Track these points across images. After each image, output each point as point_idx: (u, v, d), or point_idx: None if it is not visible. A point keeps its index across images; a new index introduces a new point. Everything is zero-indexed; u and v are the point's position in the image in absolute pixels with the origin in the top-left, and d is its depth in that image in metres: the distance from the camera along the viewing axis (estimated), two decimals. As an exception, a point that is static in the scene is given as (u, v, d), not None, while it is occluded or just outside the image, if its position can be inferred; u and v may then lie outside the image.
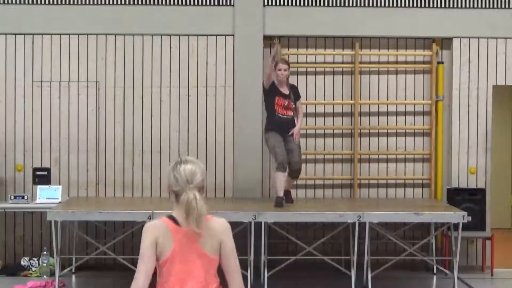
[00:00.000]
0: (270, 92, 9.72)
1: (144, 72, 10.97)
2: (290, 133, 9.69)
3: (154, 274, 4.24)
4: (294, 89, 9.89)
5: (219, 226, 4.33)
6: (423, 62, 11.15)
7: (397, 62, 11.17)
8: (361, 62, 11.07)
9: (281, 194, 9.60)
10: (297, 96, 9.87)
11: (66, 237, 10.25)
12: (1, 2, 10.85)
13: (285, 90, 9.73)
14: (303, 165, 11.03)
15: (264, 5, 10.90)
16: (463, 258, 10.65)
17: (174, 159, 4.41)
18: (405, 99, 11.15)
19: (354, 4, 10.94)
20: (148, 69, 10.96)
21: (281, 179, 9.56)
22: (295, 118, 9.80)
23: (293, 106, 9.75)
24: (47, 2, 10.85)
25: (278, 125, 9.66)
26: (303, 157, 11.02)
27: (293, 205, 10.16)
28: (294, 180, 10.17)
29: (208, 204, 4.27)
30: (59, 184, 10.72)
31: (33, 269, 10.41)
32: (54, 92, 10.94)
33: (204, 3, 10.91)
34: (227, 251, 4.27)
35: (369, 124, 11.15)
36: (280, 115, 9.68)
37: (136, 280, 4.13)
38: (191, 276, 4.21)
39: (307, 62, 11.12)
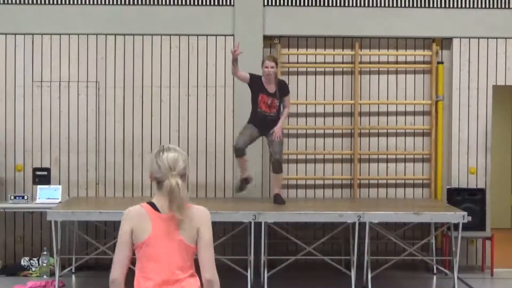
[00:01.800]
0: (255, 88, 9.64)
1: (144, 72, 10.97)
2: (271, 132, 9.64)
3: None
4: (281, 85, 9.73)
5: (198, 213, 4.39)
6: (423, 62, 11.15)
7: (397, 62, 11.17)
8: (361, 62, 11.07)
9: (244, 174, 9.92)
10: (284, 92, 9.71)
11: (66, 237, 10.25)
12: (1, 2, 10.85)
13: (271, 88, 9.63)
14: (304, 165, 11.05)
15: (264, 5, 10.90)
16: (463, 258, 10.65)
17: (157, 148, 4.45)
18: (405, 99, 11.15)
19: (354, 4, 10.94)
20: (148, 69, 10.96)
21: (240, 162, 9.86)
22: (279, 116, 9.73)
23: (277, 104, 9.67)
24: (47, 2, 10.85)
25: (258, 120, 9.65)
26: (303, 157, 11.05)
27: (293, 205, 10.17)
28: (278, 176, 9.89)
29: (188, 191, 4.34)
30: (59, 184, 10.72)
31: (33, 269, 10.41)
32: (54, 92, 10.94)
33: (204, 3, 10.91)
34: (203, 239, 4.32)
35: (369, 124, 11.15)
36: (262, 112, 9.63)
37: (113, 266, 4.29)
38: (166, 261, 4.29)
39: (307, 62, 11.12)
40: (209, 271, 4.28)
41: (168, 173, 4.29)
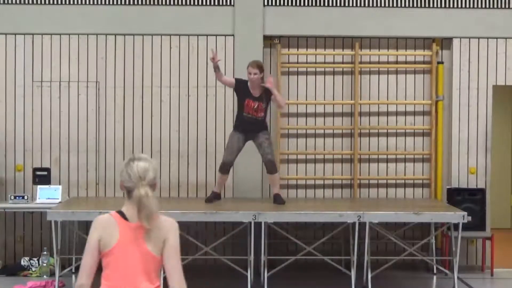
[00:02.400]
0: (241, 93, 9.64)
1: (144, 72, 10.97)
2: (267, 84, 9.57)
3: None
4: (267, 90, 9.64)
5: (166, 224, 4.40)
6: (423, 62, 11.15)
7: (397, 62, 11.17)
8: (361, 62, 11.07)
9: (218, 190, 9.95)
10: (268, 92, 9.62)
11: (66, 237, 10.25)
12: (1, 2, 10.85)
13: (256, 93, 9.60)
14: (304, 165, 11.05)
15: (264, 5, 10.90)
16: (463, 258, 10.65)
17: (128, 156, 4.48)
18: (405, 99, 11.15)
19: (354, 4, 10.94)
20: (148, 69, 10.97)
21: (220, 179, 9.92)
22: (265, 120, 9.76)
23: (264, 107, 9.64)
24: (47, 2, 10.85)
25: (243, 124, 9.65)
26: (303, 157, 11.05)
27: (293, 205, 10.17)
28: (274, 176, 9.88)
29: (159, 202, 4.36)
30: (59, 184, 10.72)
31: (33, 269, 10.41)
32: (54, 92, 10.94)
33: (204, 3, 10.91)
34: (169, 250, 4.33)
35: (369, 124, 11.15)
36: (248, 116, 9.62)
37: (80, 272, 4.32)
38: (131, 270, 4.30)
39: (307, 62, 11.12)
40: (176, 279, 4.29)
41: (138, 183, 4.31)
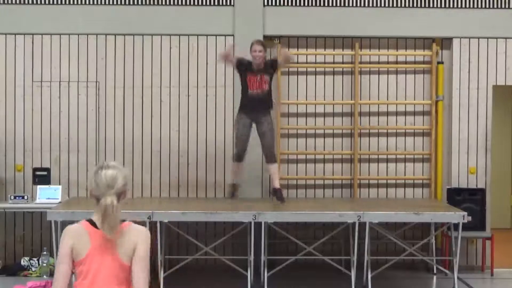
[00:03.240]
0: (243, 69, 9.69)
1: (144, 72, 10.97)
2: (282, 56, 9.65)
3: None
4: (267, 61, 9.74)
5: (136, 233, 4.37)
6: (423, 62, 11.15)
7: (397, 62, 11.17)
8: (361, 62, 11.08)
9: (235, 180, 9.98)
10: (273, 62, 9.75)
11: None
12: (1, 2, 10.85)
13: (257, 66, 9.63)
14: (304, 165, 11.05)
15: (264, 5, 10.91)
16: (463, 258, 10.65)
17: (98, 164, 4.46)
18: (405, 99, 11.15)
19: (354, 4, 10.94)
20: (148, 69, 10.97)
21: (236, 167, 9.97)
22: (271, 93, 9.79)
23: (267, 78, 9.67)
24: (47, 2, 10.86)
25: (249, 102, 9.66)
26: (303, 157, 11.04)
27: (293, 205, 10.16)
28: (274, 167, 9.86)
29: (121, 213, 4.32)
30: (59, 184, 10.72)
31: (33, 269, 10.41)
32: (54, 92, 10.94)
33: (204, 3, 10.91)
34: (137, 256, 4.30)
35: (369, 124, 11.15)
36: (252, 92, 9.65)
37: (54, 282, 4.29)
38: (103, 278, 4.30)
39: (307, 62, 11.12)
40: (140, 286, 4.28)
41: (105, 192, 4.29)
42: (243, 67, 9.69)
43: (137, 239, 4.33)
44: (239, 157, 9.86)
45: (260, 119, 9.67)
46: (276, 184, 9.88)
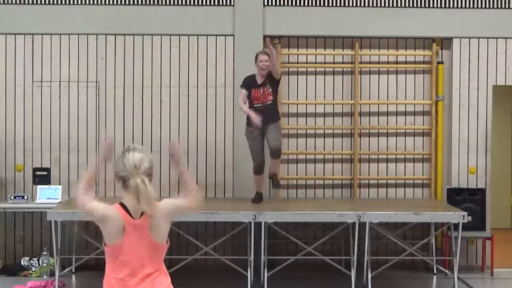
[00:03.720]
0: (248, 87, 9.71)
1: (144, 72, 10.97)
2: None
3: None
4: (269, 73, 9.71)
5: (161, 205, 4.42)
6: (423, 62, 11.15)
7: (397, 62, 11.17)
8: (361, 62, 11.08)
9: (259, 190, 9.90)
10: (271, 76, 9.73)
11: (66, 237, 10.25)
12: (1, 2, 10.85)
13: (260, 80, 9.68)
14: (304, 165, 11.05)
15: (264, 5, 10.91)
16: (463, 258, 10.65)
17: (125, 147, 4.51)
18: (405, 99, 11.15)
19: (354, 4, 10.94)
20: (148, 69, 10.97)
21: (256, 181, 9.92)
22: (276, 103, 9.81)
23: (270, 90, 9.68)
24: (47, 2, 10.86)
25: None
26: (303, 157, 11.04)
27: (293, 205, 10.17)
28: (277, 161, 10.01)
29: (155, 190, 4.37)
30: (59, 184, 10.72)
31: (33, 269, 10.41)
32: (54, 92, 10.94)
33: (204, 3, 10.91)
34: (173, 204, 4.46)
35: (369, 124, 11.15)
36: (258, 105, 9.67)
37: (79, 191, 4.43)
38: (138, 264, 4.33)
39: (307, 62, 11.12)
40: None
41: (133, 172, 4.31)
42: (249, 86, 9.68)
43: (163, 209, 4.38)
44: (259, 170, 9.80)
45: (267, 126, 9.68)
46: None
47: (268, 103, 9.69)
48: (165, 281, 4.38)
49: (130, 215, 4.34)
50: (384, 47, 11.12)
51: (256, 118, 9.53)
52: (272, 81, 9.71)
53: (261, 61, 9.63)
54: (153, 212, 4.31)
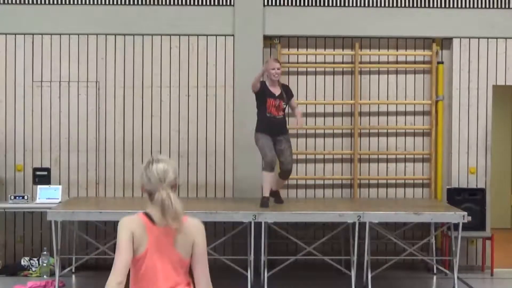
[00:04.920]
0: (261, 94, 9.59)
1: (144, 72, 10.97)
2: (296, 124, 9.59)
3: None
4: (286, 88, 9.74)
5: (193, 226, 4.38)
6: (423, 62, 11.15)
7: (397, 62, 11.17)
8: (361, 62, 11.08)
9: (267, 194, 9.63)
10: (289, 95, 9.71)
11: (66, 237, 10.25)
12: (1, 2, 10.85)
13: (276, 91, 9.60)
14: (304, 165, 11.05)
15: (264, 5, 10.90)
16: (463, 258, 10.66)
17: (147, 159, 4.43)
18: (405, 99, 11.15)
19: (354, 4, 10.94)
20: (148, 69, 10.97)
21: (267, 179, 9.60)
22: (285, 119, 9.74)
23: (284, 106, 9.65)
24: (47, 2, 10.86)
25: (268, 126, 9.57)
26: (303, 157, 11.05)
27: (293, 205, 10.17)
28: (284, 181, 10.09)
29: (183, 202, 4.31)
30: (59, 184, 10.72)
31: (33, 269, 10.41)
32: (54, 92, 10.94)
33: (204, 3, 10.91)
34: (197, 252, 4.33)
35: (369, 124, 11.15)
36: (271, 116, 9.60)
37: (115, 271, 4.15)
38: (162, 275, 4.27)
39: (307, 62, 11.12)
40: (203, 284, 4.29)
41: (159, 185, 4.28)
42: (262, 92, 9.58)
43: (195, 234, 4.34)
44: (272, 165, 9.57)
45: (279, 137, 9.64)
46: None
47: (279, 116, 9.64)
48: None
49: (153, 222, 4.30)
50: (384, 47, 11.12)
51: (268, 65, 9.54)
52: (288, 96, 9.66)
53: (273, 69, 9.52)
54: (179, 226, 4.26)
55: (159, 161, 4.35)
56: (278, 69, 9.56)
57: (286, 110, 9.77)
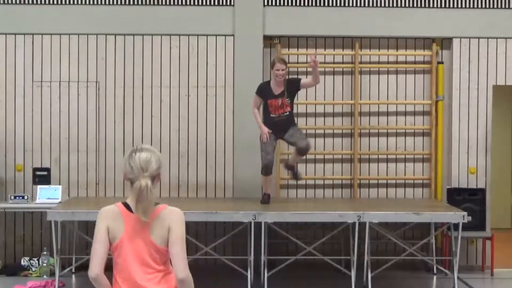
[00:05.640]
0: (263, 96, 9.64)
1: (144, 72, 10.97)
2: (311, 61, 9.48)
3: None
4: (288, 82, 9.66)
5: (170, 214, 4.36)
6: (423, 62, 11.15)
7: (397, 62, 11.17)
8: (361, 62, 11.08)
9: (267, 191, 9.90)
10: (293, 87, 9.66)
11: (66, 237, 10.25)
12: (1, 2, 10.85)
13: (278, 90, 9.62)
14: (304, 165, 11.04)
15: (264, 5, 10.90)
16: (463, 258, 10.66)
17: (132, 147, 4.46)
18: (405, 99, 11.15)
19: (354, 4, 10.94)
20: (148, 69, 10.97)
21: (263, 180, 9.91)
22: (292, 115, 9.76)
23: (288, 101, 9.64)
24: (47, 2, 10.86)
25: (272, 124, 9.63)
26: (303, 157, 11.03)
27: (293, 205, 10.17)
28: (302, 157, 9.98)
29: (155, 194, 4.33)
30: (59, 184, 10.72)
31: (33, 269, 10.42)
32: (54, 92, 10.94)
33: (204, 3, 10.91)
34: (172, 237, 4.30)
35: (369, 124, 11.15)
36: (274, 116, 9.63)
37: (92, 263, 4.31)
38: (138, 263, 4.32)
39: (307, 62, 11.10)
40: (181, 270, 4.27)
41: (140, 174, 4.29)
42: (264, 94, 9.64)
43: (170, 221, 4.31)
44: (266, 170, 9.73)
45: (285, 133, 9.70)
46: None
47: (285, 114, 9.66)
48: (172, 282, 4.35)
49: (131, 211, 4.33)
50: (384, 47, 11.12)
51: (265, 134, 9.58)
52: (291, 90, 9.65)
53: (278, 70, 9.52)
54: (148, 219, 4.27)
55: (143, 150, 4.37)
56: (283, 70, 9.53)
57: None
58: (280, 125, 9.63)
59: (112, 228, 4.31)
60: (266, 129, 9.61)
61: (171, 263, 4.36)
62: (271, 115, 9.62)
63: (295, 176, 10.06)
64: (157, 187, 4.43)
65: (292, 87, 9.67)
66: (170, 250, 4.29)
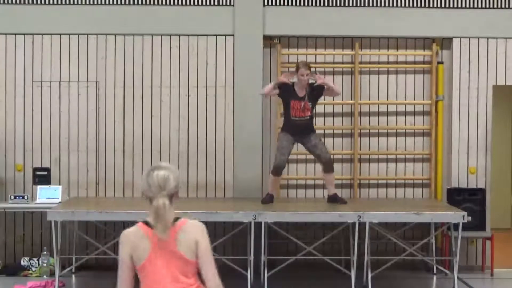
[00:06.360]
0: (286, 96, 9.69)
1: (144, 72, 10.97)
2: (316, 81, 9.64)
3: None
4: (311, 88, 9.71)
5: (193, 227, 4.43)
6: (423, 62, 11.15)
7: (397, 62, 11.17)
8: (361, 62, 11.08)
9: (271, 192, 9.89)
10: (316, 93, 9.72)
11: (66, 237, 10.25)
12: (1, 2, 10.85)
13: (301, 93, 9.66)
14: (304, 165, 11.05)
15: (264, 5, 10.90)
16: (463, 258, 10.65)
17: (148, 166, 4.51)
18: (405, 99, 11.15)
19: (354, 4, 10.94)
20: (148, 69, 10.97)
21: (271, 180, 9.92)
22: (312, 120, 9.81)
23: (310, 106, 9.68)
24: (47, 2, 10.86)
25: (292, 128, 9.69)
26: (303, 157, 11.04)
27: (293, 205, 10.18)
28: (331, 176, 9.94)
29: (174, 211, 4.37)
30: (59, 184, 10.72)
31: (33, 269, 10.42)
32: (54, 92, 10.94)
33: (204, 3, 10.91)
34: (201, 250, 4.36)
35: (369, 124, 11.15)
36: (295, 118, 9.66)
37: (121, 285, 4.35)
38: (169, 278, 4.32)
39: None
40: (214, 282, 4.33)
41: (158, 193, 4.31)
42: (286, 94, 9.67)
43: (195, 234, 4.38)
44: (278, 171, 9.77)
45: (304, 138, 9.74)
46: (333, 190, 9.95)
47: (305, 117, 9.68)
48: None
49: (153, 229, 4.34)
50: (384, 47, 11.12)
51: (283, 78, 9.67)
52: (313, 95, 9.70)
53: (302, 75, 9.58)
54: (167, 238, 4.29)
55: (161, 168, 4.39)
56: (307, 75, 9.61)
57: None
58: (300, 128, 9.65)
59: (136, 251, 4.32)
60: (280, 77, 9.75)
61: (199, 276, 4.38)
62: (292, 118, 9.65)
63: (342, 201, 9.99)
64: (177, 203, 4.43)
65: (315, 92, 9.72)
66: (201, 266, 4.33)
